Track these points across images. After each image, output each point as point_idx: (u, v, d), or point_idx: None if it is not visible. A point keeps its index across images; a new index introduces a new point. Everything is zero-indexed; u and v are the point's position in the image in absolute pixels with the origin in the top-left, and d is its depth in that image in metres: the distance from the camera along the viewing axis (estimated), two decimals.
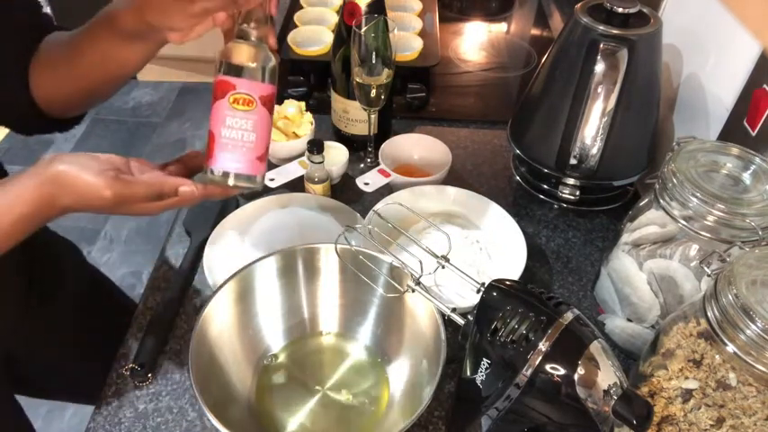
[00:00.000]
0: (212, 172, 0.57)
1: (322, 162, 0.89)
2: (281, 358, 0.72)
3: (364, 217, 0.85)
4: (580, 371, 0.48)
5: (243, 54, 0.57)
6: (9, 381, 0.83)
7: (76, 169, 0.53)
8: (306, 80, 1.15)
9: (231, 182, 0.57)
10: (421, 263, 0.62)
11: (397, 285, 0.65)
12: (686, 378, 0.54)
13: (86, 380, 0.84)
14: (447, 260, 0.62)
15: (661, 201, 0.65)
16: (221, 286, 0.66)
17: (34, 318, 0.82)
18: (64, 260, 0.91)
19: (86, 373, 0.85)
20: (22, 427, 0.87)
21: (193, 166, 0.60)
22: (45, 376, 0.92)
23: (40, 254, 0.84)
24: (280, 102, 1.01)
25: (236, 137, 0.56)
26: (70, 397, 1.07)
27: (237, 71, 0.57)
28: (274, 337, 0.72)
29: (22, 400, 0.90)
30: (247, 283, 0.69)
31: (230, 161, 0.56)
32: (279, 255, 0.71)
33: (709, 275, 0.59)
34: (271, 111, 0.58)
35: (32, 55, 0.67)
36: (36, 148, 2.51)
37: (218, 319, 0.66)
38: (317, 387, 0.69)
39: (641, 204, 0.72)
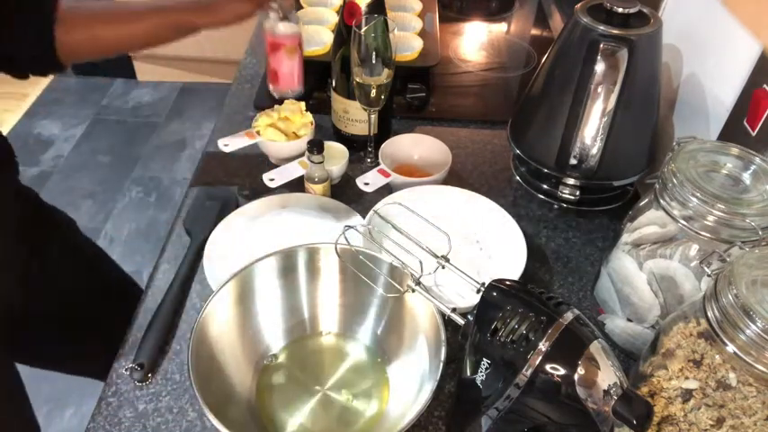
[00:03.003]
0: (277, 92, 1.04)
1: (322, 162, 0.89)
2: (281, 358, 0.72)
3: (364, 217, 0.85)
4: (580, 371, 0.48)
5: (282, 25, 0.96)
6: (9, 348, 0.85)
7: None
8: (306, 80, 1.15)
9: (290, 96, 1.02)
10: (421, 263, 0.62)
11: (397, 285, 0.65)
12: (686, 378, 0.54)
13: (88, 349, 0.85)
14: (447, 260, 0.62)
15: (661, 201, 0.65)
16: (221, 286, 0.66)
17: (34, 284, 0.83)
18: (63, 229, 0.93)
19: (88, 341, 0.86)
20: (17, 395, 0.88)
21: None
22: (47, 344, 0.93)
23: (39, 223, 0.85)
24: (280, 102, 1.01)
25: (288, 71, 1.01)
26: (73, 368, 1.08)
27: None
28: (274, 337, 0.72)
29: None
30: (247, 283, 0.69)
31: (289, 86, 1.03)
32: (279, 255, 0.71)
33: (709, 275, 0.59)
34: (301, 54, 1.02)
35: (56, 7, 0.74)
36: (36, 149, 2.51)
37: (219, 319, 0.66)
38: (318, 387, 0.69)
39: (641, 204, 0.72)
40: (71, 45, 0.75)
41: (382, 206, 0.82)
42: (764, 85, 0.72)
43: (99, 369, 0.72)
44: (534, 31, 1.48)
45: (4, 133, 0.77)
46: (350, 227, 0.69)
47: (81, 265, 0.93)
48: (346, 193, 0.95)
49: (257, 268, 0.69)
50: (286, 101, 1.01)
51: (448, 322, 0.60)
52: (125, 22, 0.77)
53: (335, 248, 0.67)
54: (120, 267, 1.06)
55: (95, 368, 0.73)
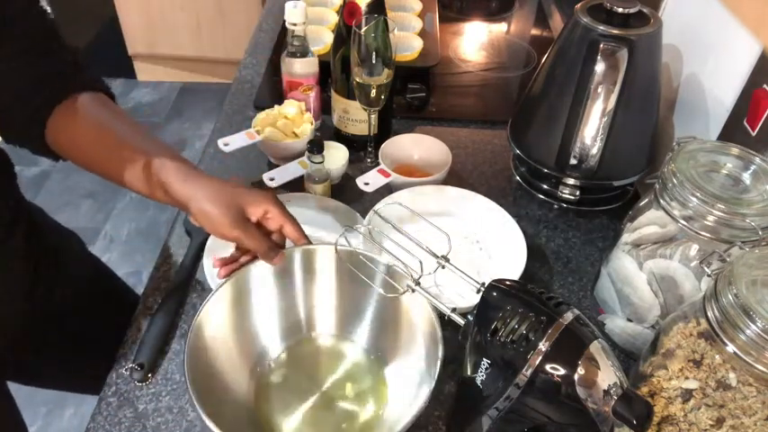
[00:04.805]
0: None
1: (322, 162, 0.89)
2: (279, 361, 0.72)
3: (364, 217, 0.85)
4: (580, 371, 0.48)
5: (299, 64, 1.00)
6: (4, 368, 0.85)
7: (217, 214, 0.65)
8: None
9: (309, 130, 0.99)
10: (421, 263, 0.62)
11: (396, 286, 0.65)
12: (686, 378, 0.54)
13: (88, 369, 0.85)
14: (447, 260, 0.62)
15: (661, 201, 0.65)
16: (217, 289, 0.66)
17: (39, 303, 0.82)
18: (67, 248, 0.92)
19: (88, 362, 0.85)
20: (12, 415, 0.87)
21: (292, 240, 0.71)
22: (47, 363, 0.92)
23: (44, 241, 0.84)
24: (280, 102, 1.01)
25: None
26: (71, 386, 1.08)
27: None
28: (271, 340, 0.72)
29: (23, 393, 0.90)
30: (243, 286, 0.69)
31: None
32: None
33: (709, 275, 0.59)
34: (319, 90, 1.04)
35: (58, 98, 0.70)
36: None
37: (215, 321, 0.65)
38: (315, 389, 0.69)
39: (641, 204, 0.72)
40: (56, 139, 0.71)
41: (382, 206, 0.82)
42: (764, 85, 0.72)
43: (99, 385, 0.72)
44: (534, 31, 1.48)
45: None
46: (350, 227, 0.69)
47: (84, 285, 0.92)
48: (346, 193, 0.94)
49: (254, 270, 0.69)
50: (286, 101, 1.01)
51: (448, 322, 0.60)
52: (110, 151, 0.69)
53: (335, 249, 0.67)
54: (120, 279, 1.05)
55: (96, 384, 0.73)
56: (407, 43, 1.18)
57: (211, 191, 0.66)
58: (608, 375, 0.49)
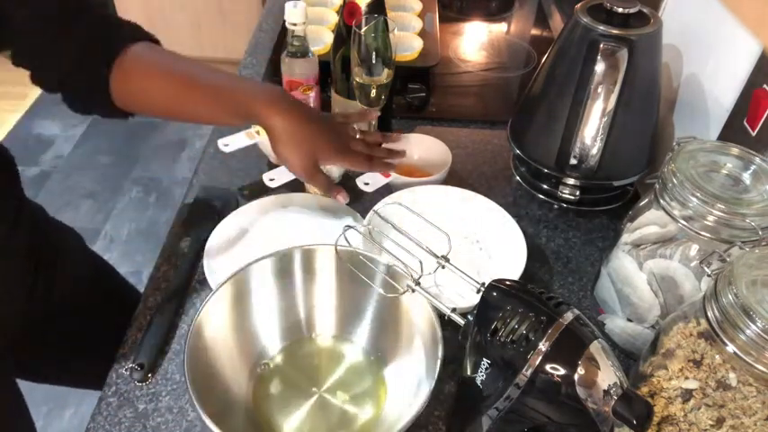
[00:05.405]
0: None
1: None
2: (278, 361, 0.72)
3: (364, 217, 0.85)
4: (580, 371, 0.48)
5: (299, 65, 0.97)
6: (12, 365, 0.84)
7: (292, 158, 0.73)
8: None
9: None
10: (421, 263, 0.62)
11: (396, 286, 0.65)
12: (686, 378, 0.54)
13: (88, 369, 0.85)
14: (447, 260, 0.62)
15: (661, 201, 0.65)
16: (217, 289, 0.66)
17: (39, 302, 0.82)
18: (67, 247, 0.92)
19: (88, 361, 0.86)
20: (22, 413, 0.87)
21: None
22: (48, 361, 0.92)
23: (45, 240, 0.85)
24: None
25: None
26: (73, 382, 1.08)
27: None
28: (271, 340, 0.72)
29: (23, 392, 0.90)
30: (244, 286, 0.69)
31: None
32: (275, 257, 0.70)
33: (709, 275, 0.59)
34: (318, 90, 1.02)
35: (112, 55, 0.71)
36: (36, 149, 2.51)
37: (215, 322, 0.65)
38: (314, 390, 0.69)
39: (641, 204, 0.72)
40: (123, 95, 0.71)
41: (382, 206, 0.82)
42: (764, 85, 0.72)
43: (99, 382, 0.72)
44: (534, 31, 1.48)
45: (4, 134, 0.76)
46: (350, 227, 0.69)
47: (84, 283, 0.92)
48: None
49: (253, 270, 0.69)
50: None
51: (448, 322, 0.60)
52: (182, 89, 0.71)
53: (336, 249, 0.67)
54: (122, 277, 1.05)
55: (97, 382, 0.73)
56: (407, 43, 1.18)
57: (291, 127, 0.71)
58: (608, 375, 0.49)
